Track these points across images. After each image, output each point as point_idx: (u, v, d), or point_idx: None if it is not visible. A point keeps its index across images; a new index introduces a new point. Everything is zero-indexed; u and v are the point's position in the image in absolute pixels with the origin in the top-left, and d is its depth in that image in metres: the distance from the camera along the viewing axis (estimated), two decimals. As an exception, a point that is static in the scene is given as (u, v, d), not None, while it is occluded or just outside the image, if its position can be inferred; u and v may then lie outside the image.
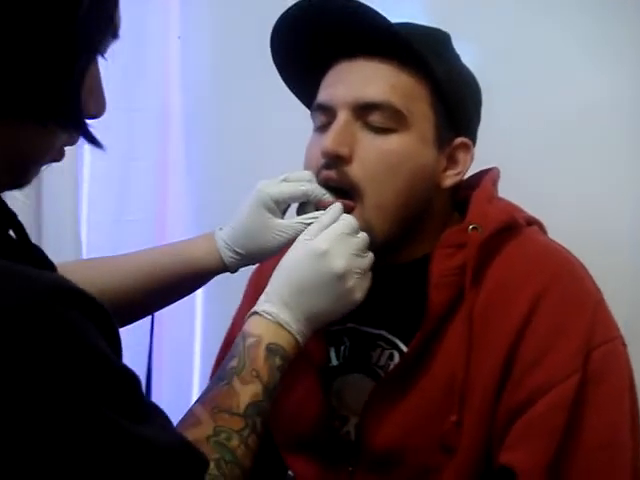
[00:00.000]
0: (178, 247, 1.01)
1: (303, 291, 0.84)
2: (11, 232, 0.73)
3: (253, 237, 0.95)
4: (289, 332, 0.83)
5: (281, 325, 0.83)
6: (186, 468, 0.65)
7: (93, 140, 0.67)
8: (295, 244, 0.89)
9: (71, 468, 0.56)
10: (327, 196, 0.93)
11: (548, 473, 0.85)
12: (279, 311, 0.83)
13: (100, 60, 0.69)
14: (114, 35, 0.68)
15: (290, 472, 1.16)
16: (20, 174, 0.69)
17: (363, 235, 0.89)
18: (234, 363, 0.80)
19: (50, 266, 0.88)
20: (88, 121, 0.68)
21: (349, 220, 0.89)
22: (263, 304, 0.84)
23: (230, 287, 1.49)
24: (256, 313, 0.84)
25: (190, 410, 0.78)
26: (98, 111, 0.69)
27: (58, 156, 0.70)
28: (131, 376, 0.63)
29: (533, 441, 0.86)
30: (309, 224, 0.91)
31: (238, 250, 0.96)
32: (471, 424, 0.89)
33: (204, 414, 0.76)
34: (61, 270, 0.90)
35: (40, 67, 0.61)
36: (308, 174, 0.95)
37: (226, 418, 0.76)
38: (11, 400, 0.53)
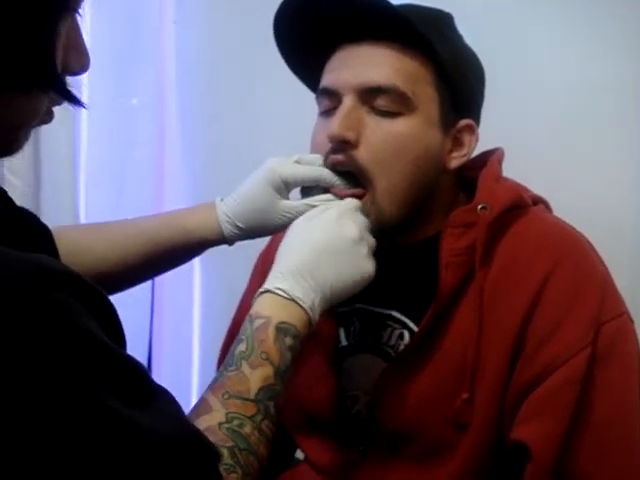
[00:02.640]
0: (177, 216, 1.00)
1: (318, 258, 0.82)
2: None
3: (257, 214, 0.95)
4: (301, 307, 0.80)
5: (293, 301, 0.80)
6: (191, 457, 0.63)
7: (73, 99, 0.66)
8: (301, 219, 0.89)
9: (61, 452, 0.55)
10: (339, 182, 0.93)
11: (559, 447, 0.86)
12: (291, 286, 0.80)
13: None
14: None
15: (297, 454, 1.17)
16: (10, 140, 0.67)
17: (365, 217, 0.90)
18: (242, 347, 0.77)
19: (44, 230, 0.88)
20: (73, 77, 0.67)
21: (354, 201, 0.90)
22: (273, 280, 0.81)
23: (229, 268, 1.50)
24: (267, 291, 0.81)
25: (202, 397, 0.76)
26: (82, 66, 0.68)
27: (47, 117, 0.69)
28: (129, 361, 0.62)
29: (545, 416, 0.87)
30: (315, 206, 0.92)
31: (239, 225, 0.95)
32: (483, 401, 0.90)
33: (215, 401, 0.73)
34: (60, 233, 0.90)
35: (8, 29, 0.59)
36: (319, 157, 0.95)
37: (237, 404, 0.73)
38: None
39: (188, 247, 0.99)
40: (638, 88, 1.30)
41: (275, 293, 0.80)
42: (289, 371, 0.79)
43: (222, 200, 0.97)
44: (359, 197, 0.92)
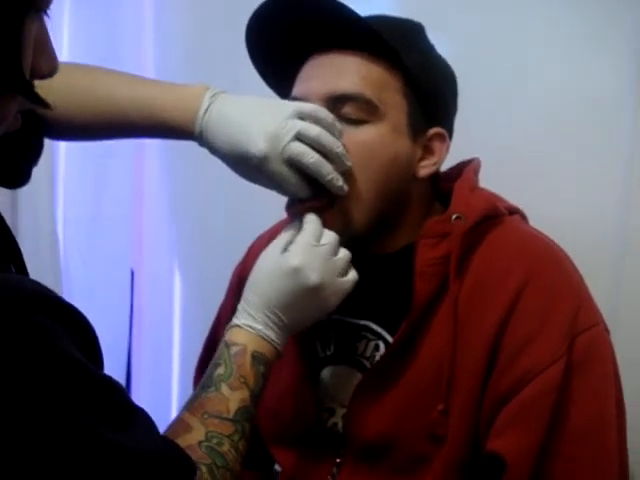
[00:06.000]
0: (157, 102, 0.92)
1: (282, 308, 0.86)
2: None
3: (237, 163, 0.90)
4: (270, 343, 0.86)
5: (262, 338, 0.85)
6: (170, 473, 0.66)
7: (39, 100, 0.65)
8: (266, 258, 0.89)
9: (44, 474, 0.56)
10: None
11: (535, 459, 0.86)
12: (262, 326, 0.86)
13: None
14: None
15: (276, 466, 1.16)
16: None
17: (328, 239, 0.89)
18: (220, 370, 0.82)
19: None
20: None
21: (312, 228, 0.89)
22: (244, 317, 0.87)
23: (207, 279, 1.49)
24: (237, 326, 0.86)
25: (178, 418, 0.79)
26: (50, 69, 0.67)
27: (14, 123, 0.68)
28: (108, 383, 0.63)
29: (520, 427, 0.86)
30: None
31: (217, 152, 0.91)
32: (458, 412, 0.89)
33: (194, 420, 0.78)
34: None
35: None
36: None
37: (216, 423, 0.78)
38: None
39: (154, 134, 0.96)
40: (624, 99, 1.30)
41: (244, 329, 0.86)
42: (260, 396, 0.85)
43: (209, 110, 0.90)
44: (319, 208, 0.91)
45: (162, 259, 1.86)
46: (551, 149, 1.36)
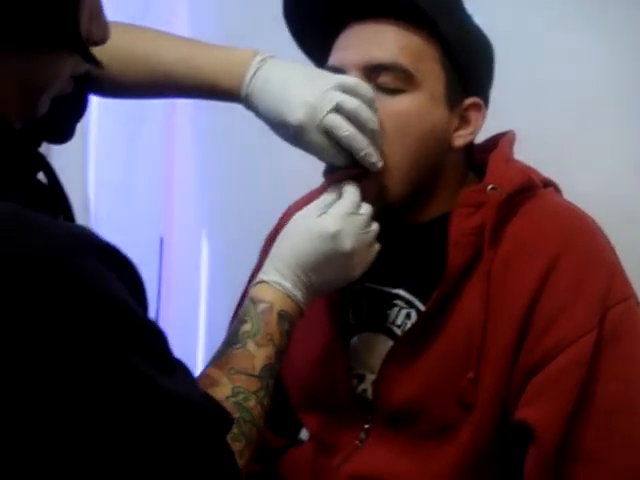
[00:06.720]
0: (208, 67, 0.93)
1: (313, 270, 0.87)
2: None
3: (281, 124, 0.91)
4: (296, 303, 0.86)
5: (289, 296, 0.85)
6: (210, 423, 0.67)
7: (93, 60, 0.67)
8: (303, 218, 0.90)
9: (94, 416, 0.57)
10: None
11: (563, 430, 0.86)
12: (291, 285, 0.86)
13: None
14: None
15: (302, 434, 1.17)
16: (30, 104, 0.68)
17: (366, 210, 0.90)
18: (247, 327, 0.83)
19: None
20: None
21: (352, 197, 0.90)
22: (273, 274, 0.86)
23: (236, 246, 1.49)
24: (265, 282, 0.86)
25: (203, 372, 0.80)
26: (102, 37, 0.68)
27: (67, 86, 0.70)
28: (156, 329, 0.64)
29: (549, 398, 0.87)
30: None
31: (259, 112, 0.92)
32: (488, 381, 0.90)
33: (221, 375, 0.78)
34: None
35: None
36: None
37: (243, 379, 0.79)
38: (33, 350, 0.54)
39: (201, 95, 0.97)
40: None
41: (272, 286, 0.86)
42: (284, 352, 0.85)
43: (255, 76, 0.91)
44: (356, 176, 0.91)
45: (191, 228, 1.87)
46: (582, 124, 1.35)
